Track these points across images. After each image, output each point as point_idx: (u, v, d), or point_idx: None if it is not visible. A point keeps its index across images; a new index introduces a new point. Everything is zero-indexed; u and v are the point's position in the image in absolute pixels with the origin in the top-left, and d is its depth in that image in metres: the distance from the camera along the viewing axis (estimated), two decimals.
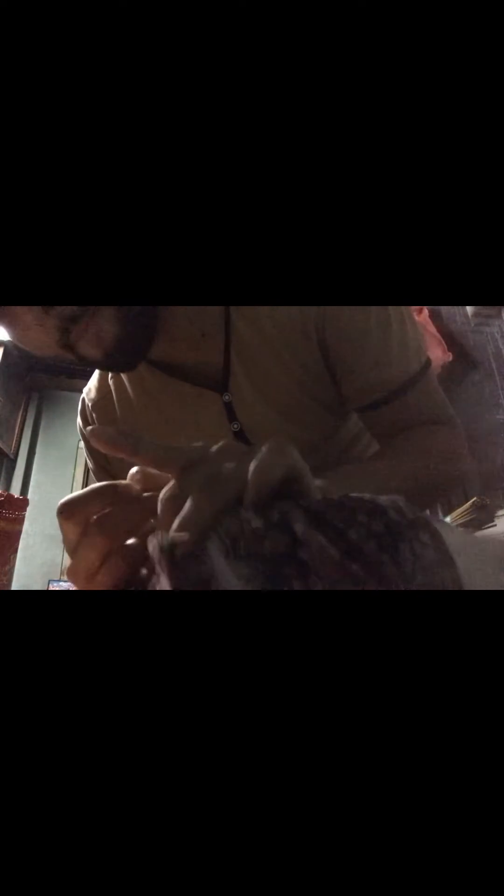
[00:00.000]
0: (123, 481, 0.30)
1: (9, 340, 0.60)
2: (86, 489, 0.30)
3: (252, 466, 0.27)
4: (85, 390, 0.76)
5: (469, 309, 1.84)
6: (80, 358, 0.52)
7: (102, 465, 0.74)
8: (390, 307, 0.58)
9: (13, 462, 3.25)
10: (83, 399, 0.76)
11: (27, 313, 0.46)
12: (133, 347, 0.54)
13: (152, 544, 0.25)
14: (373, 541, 0.24)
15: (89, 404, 0.74)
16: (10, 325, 0.48)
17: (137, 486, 0.30)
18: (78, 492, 0.30)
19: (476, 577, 0.24)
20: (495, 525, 1.50)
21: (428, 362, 0.61)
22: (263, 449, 0.27)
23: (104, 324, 0.50)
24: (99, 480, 0.76)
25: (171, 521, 0.27)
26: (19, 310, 0.46)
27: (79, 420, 0.76)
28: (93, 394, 0.74)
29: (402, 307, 0.60)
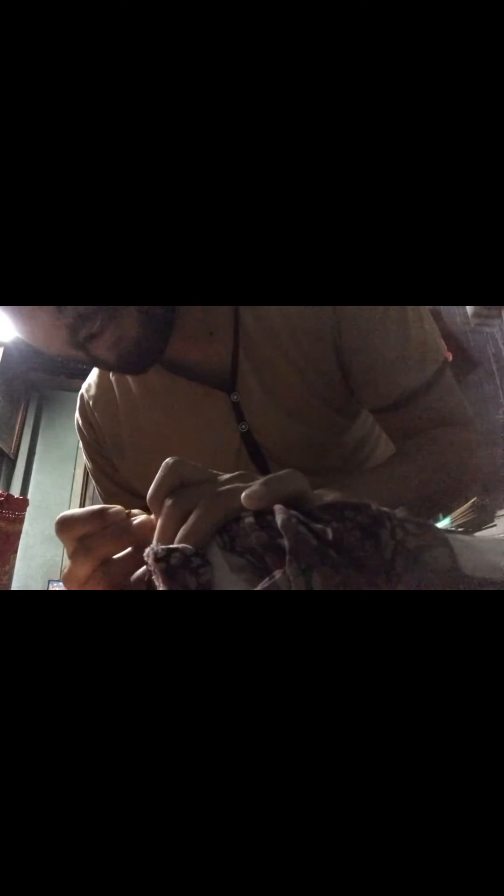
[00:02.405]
0: (115, 507, 0.32)
1: (9, 340, 0.60)
2: (84, 509, 0.32)
3: (268, 476, 0.28)
4: (84, 387, 0.73)
5: (469, 309, 1.84)
6: (93, 359, 0.50)
7: (103, 468, 0.72)
8: (408, 307, 0.57)
9: (13, 462, 3.24)
10: (82, 396, 0.73)
11: (41, 312, 0.45)
12: (148, 350, 0.53)
13: (148, 554, 0.26)
14: (357, 531, 0.24)
15: (90, 402, 0.71)
16: (23, 324, 0.47)
17: (125, 514, 0.32)
18: (76, 510, 0.32)
19: (471, 562, 0.24)
20: (495, 525, 1.49)
21: (445, 362, 0.59)
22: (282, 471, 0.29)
23: (121, 325, 0.49)
24: (99, 483, 0.75)
25: (170, 531, 0.28)
26: (33, 308, 0.45)
27: (77, 417, 0.73)
28: (93, 391, 0.71)
29: (421, 307, 0.58)
